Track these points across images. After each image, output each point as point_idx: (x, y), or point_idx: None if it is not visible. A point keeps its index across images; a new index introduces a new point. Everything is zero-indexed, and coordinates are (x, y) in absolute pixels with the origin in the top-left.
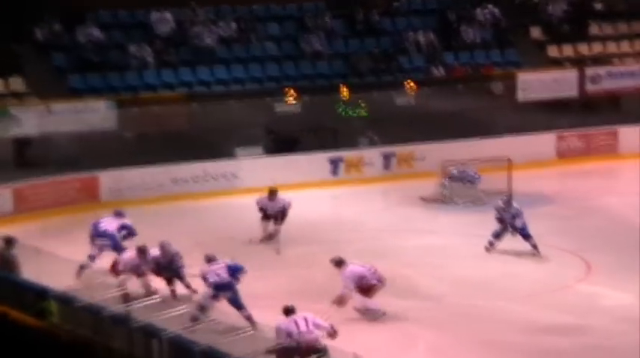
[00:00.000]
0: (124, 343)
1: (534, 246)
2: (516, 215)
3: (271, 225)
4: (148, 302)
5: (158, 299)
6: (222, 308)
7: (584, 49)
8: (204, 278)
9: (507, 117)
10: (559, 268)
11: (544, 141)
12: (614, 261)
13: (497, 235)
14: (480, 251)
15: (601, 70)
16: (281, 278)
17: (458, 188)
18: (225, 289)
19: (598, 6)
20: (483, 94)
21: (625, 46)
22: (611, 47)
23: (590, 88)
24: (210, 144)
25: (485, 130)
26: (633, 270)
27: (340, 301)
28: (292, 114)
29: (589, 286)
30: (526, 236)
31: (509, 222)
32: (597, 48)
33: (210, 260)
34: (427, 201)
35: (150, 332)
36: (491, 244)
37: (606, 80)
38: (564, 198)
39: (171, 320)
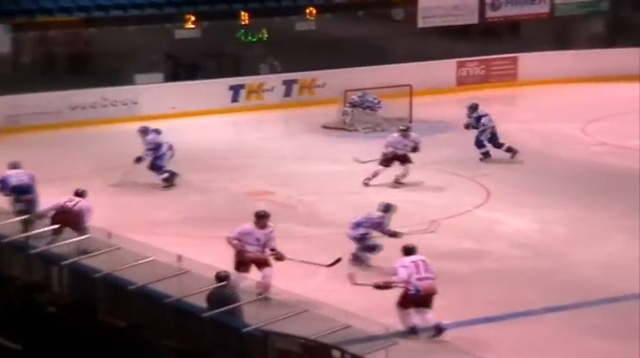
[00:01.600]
0: (23, 270)
1: (509, 150)
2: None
3: None
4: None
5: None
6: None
7: None
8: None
9: (408, 43)
10: (459, 194)
11: (444, 68)
12: (512, 186)
13: (480, 142)
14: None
15: None
16: (180, 204)
17: (359, 114)
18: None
19: None
20: (384, 21)
21: None
22: None
23: (490, 14)
24: (109, 70)
25: (386, 57)
26: (531, 196)
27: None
28: (192, 40)
29: (488, 212)
30: (496, 143)
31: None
32: None
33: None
34: (329, 128)
35: (48, 260)
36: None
37: (506, 7)
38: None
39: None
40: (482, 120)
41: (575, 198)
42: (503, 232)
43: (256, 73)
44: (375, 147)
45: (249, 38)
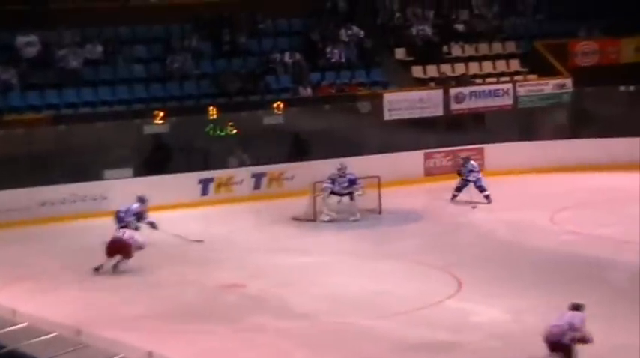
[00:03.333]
0: None
1: (486, 197)
2: (472, 170)
3: None
4: None
5: None
6: None
7: (447, 69)
8: None
9: (375, 135)
10: (430, 285)
11: (412, 159)
12: (483, 276)
13: (459, 189)
14: (351, 269)
15: (464, 90)
16: (150, 299)
17: (332, 203)
18: None
19: (460, 27)
20: (350, 113)
21: (487, 66)
22: (474, 67)
23: (454, 106)
24: (78, 166)
25: (354, 149)
26: (503, 286)
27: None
28: (161, 134)
29: (460, 302)
30: (480, 188)
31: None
32: (460, 68)
33: None
34: (298, 220)
35: None
36: (454, 197)
37: (470, 99)
38: (433, 215)
39: None
40: (473, 170)
41: (547, 287)
42: (477, 323)
43: (225, 166)
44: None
45: (218, 132)
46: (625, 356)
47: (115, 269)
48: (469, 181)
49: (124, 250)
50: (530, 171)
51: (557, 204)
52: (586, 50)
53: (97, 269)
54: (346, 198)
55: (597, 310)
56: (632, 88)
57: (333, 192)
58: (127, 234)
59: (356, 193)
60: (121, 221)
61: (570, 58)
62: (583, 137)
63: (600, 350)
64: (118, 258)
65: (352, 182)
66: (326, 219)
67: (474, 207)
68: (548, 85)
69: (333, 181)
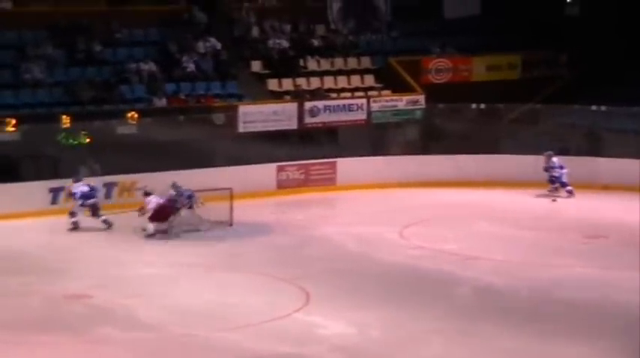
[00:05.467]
0: None
1: (569, 192)
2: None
3: None
4: None
5: None
6: None
7: (302, 82)
8: None
9: (229, 147)
10: (278, 297)
11: (264, 172)
12: (331, 290)
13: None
14: (200, 281)
15: (319, 104)
16: None
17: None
18: None
19: (316, 42)
20: (205, 125)
21: (341, 81)
22: (329, 82)
23: (308, 120)
24: None
25: (207, 160)
26: (350, 299)
27: None
28: (12, 142)
29: (307, 315)
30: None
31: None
32: (315, 82)
33: None
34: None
35: None
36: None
37: (324, 113)
38: (284, 227)
39: None
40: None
41: (394, 301)
42: (323, 336)
43: (77, 175)
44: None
45: (70, 141)
46: None
47: None
48: (554, 177)
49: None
50: (381, 186)
51: (407, 219)
52: (439, 67)
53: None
54: (185, 211)
55: (442, 325)
56: (482, 105)
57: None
58: None
59: (195, 205)
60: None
61: (423, 75)
62: (434, 153)
63: None
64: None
65: (190, 196)
66: (151, 232)
67: (554, 201)
68: (402, 101)
69: (174, 201)
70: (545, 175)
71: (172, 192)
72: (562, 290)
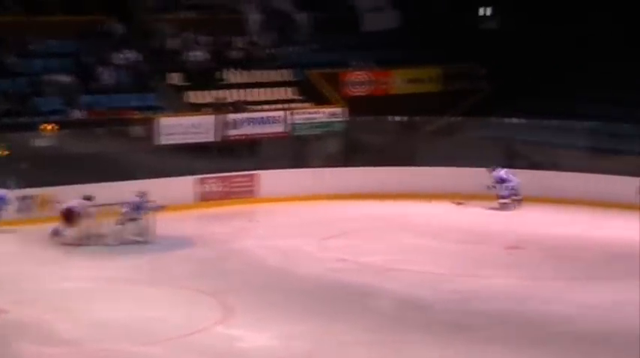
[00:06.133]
0: None
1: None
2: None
3: None
4: None
5: None
6: None
7: (222, 95)
8: None
9: (147, 160)
10: (199, 311)
11: (184, 185)
12: (253, 303)
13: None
14: (120, 294)
15: (239, 116)
16: None
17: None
18: None
19: (236, 54)
20: (123, 137)
21: (262, 94)
22: (249, 94)
23: (228, 132)
24: None
25: (126, 173)
26: (272, 312)
27: None
28: None
29: (228, 329)
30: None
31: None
32: (235, 94)
33: None
34: (68, 244)
35: None
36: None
37: (244, 125)
38: (205, 240)
39: None
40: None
41: (316, 314)
42: (243, 349)
43: None
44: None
45: None
46: None
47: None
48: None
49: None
50: (302, 199)
51: (328, 231)
52: (358, 80)
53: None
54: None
55: (364, 337)
56: (402, 118)
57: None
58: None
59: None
60: None
61: (343, 88)
62: (355, 165)
63: None
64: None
65: (139, 208)
66: (115, 243)
67: (459, 204)
68: (322, 114)
69: (135, 207)
70: (495, 189)
71: (136, 198)
72: (483, 300)
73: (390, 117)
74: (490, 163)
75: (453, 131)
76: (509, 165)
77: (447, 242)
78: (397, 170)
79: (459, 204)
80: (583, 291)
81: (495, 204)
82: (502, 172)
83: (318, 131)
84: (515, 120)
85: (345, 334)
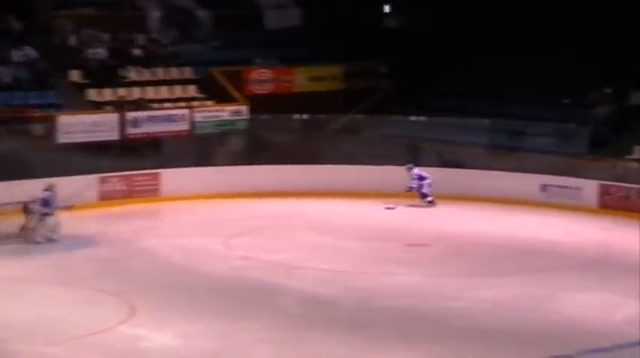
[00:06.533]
0: None
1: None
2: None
3: None
4: None
5: None
6: None
7: (124, 92)
8: None
9: (48, 158)
10: (103, 310)
11: (86, 184)
12: (157, 302)
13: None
14: (22, 294)
15: (141, 114)
16: None
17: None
18: None
19: (137, 52)
20: (23, 136)
21: (163, 91)
22: (150, 92)
23: (130, 131)
24: None
25: (27, 172)
26: (176, 311)
27: None
28: None
29: (132, 328)
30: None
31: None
32: (137, 92)
33: None
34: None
35: None
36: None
37: (146, 124)
38: (109, 240)
39: None
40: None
41: (220, 312)
42: (148, 348)
43: None
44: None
45: None
46: None
47: None
48: (412, 188)
49: None
50: (206, 197)
51: (232, 229)
52: (261, 78)
53: None
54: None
55: (269, 334)
56: (305, 116)
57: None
58: None
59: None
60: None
61: (246, 86)
62: (258, 164)
63: None
64: None
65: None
66: (41, 240)
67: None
68: (225, 112)
69: (44, 203)
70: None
71: (45, 193)
72: (386, 298)
73: (293, 116)
74: (394, 161)
75: (357, 129)
76: (415, 163)
77: (351, 240)
78: (301, 168)
79: (389, 208)
80: (484, 287)
81: (419, 202)
82: (417, 170)
83: (221, 129)
84: (417, 118)
85: (249, 332)
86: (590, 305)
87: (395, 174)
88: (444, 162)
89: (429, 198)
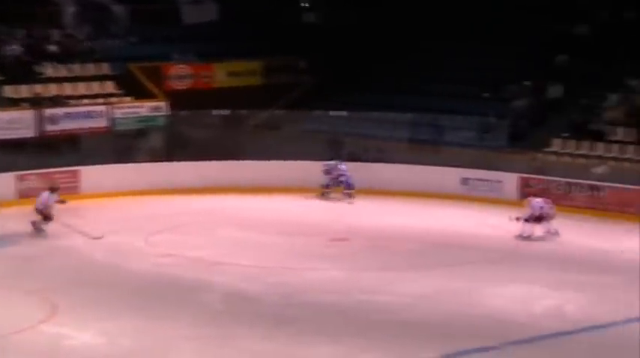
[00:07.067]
0: None
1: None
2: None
3: None
4: None
5: None
6: None
7: (40, 89)
8: None
9: None
10: (23, 309)
11: (3, 182)
12: (79, 300)
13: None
14: None
15: (59, 111)
16: None
17: None
18: None
19: (52, 48)
20: None
21: (81, 88)
22: (68, 88)
23: (48, 128)
24: None
25: None
26: (98, 309)
27: None
28: None
29: (54, 327)
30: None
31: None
32: (54, 89)
33: None
34: None
35: None
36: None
37: (64, 120)
38: (28, 238)
39: None
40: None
41: (143, 310)
42: (70, 347)
43: None
44: None
45: None
46: None
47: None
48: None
49: None
50: (126, 194)
51: (153, 226)
52: (180, 74)
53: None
54: None
55: (192, 331)
56: (225, 112)
57: None
58: None
59: None
60: None
61: (165, 81)
62: (178, 160)
63: None
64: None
65: None
66: None
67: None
68: (144, 108)
69: None
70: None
71: None
72: (310, 292)
73: (213, 111)
74: (315, 156)
75: (277, 125)
76: (337, 158)
77: (273, 235)
78: (221, 164)
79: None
80: (406, 281)
81: (342, 196)
82: (343, 165)
83: (140, 125)
84: (338, 113)
85: (172, 329)
86: (511, 297)
87: (316, 170)
88: (366, 157)
89: (351, 191)
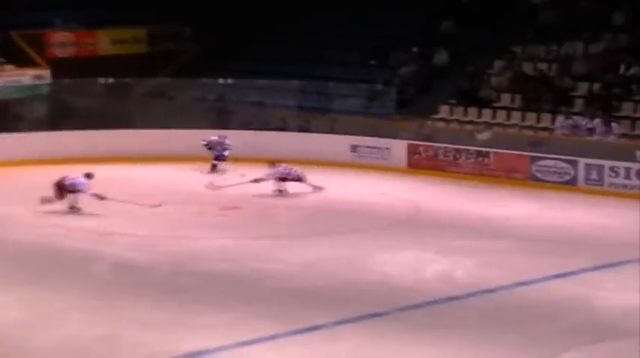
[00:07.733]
0: None
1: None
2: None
3: None
4: None
5: None
6: None
7: None
8: None
9: None
10: None
11: None
12: None
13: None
14: None
15: None
16: None
17: None
18: None
19: None
20: None
21: None
22: None
23: None
24: None
25: None
26: None
27: None
28: None
29: None
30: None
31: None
32: None
33: None
34: None
35: None
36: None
37: None
38: None
39: None
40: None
41: (31, 282)
42: None
43: None
44: None
45: None
46: (106, 346)
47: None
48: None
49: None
50: (11, 165)
51: (39, 197)
52: (63, 41)
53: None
54: None
55: (81, 302)
56: (110, 80)
57: None
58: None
59: None
60: None
61: (48, 49)
62: (64, 129)
63: (83, 341)
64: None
65: None
66: None
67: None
68: (26, 76)
69: None
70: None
71: None
72: (201, 261)
73: (98, 80)
74: (203, 125)
75: (164, 93)
76: (223, 126)
77: (164, 204)
78: (109, 133)
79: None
80: (297, 248)
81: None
82: (227, 140)
83: (22, 94)
84: (225, 80)
85: (62, 301)
86: (403, 263)
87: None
88: (254, 125)
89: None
